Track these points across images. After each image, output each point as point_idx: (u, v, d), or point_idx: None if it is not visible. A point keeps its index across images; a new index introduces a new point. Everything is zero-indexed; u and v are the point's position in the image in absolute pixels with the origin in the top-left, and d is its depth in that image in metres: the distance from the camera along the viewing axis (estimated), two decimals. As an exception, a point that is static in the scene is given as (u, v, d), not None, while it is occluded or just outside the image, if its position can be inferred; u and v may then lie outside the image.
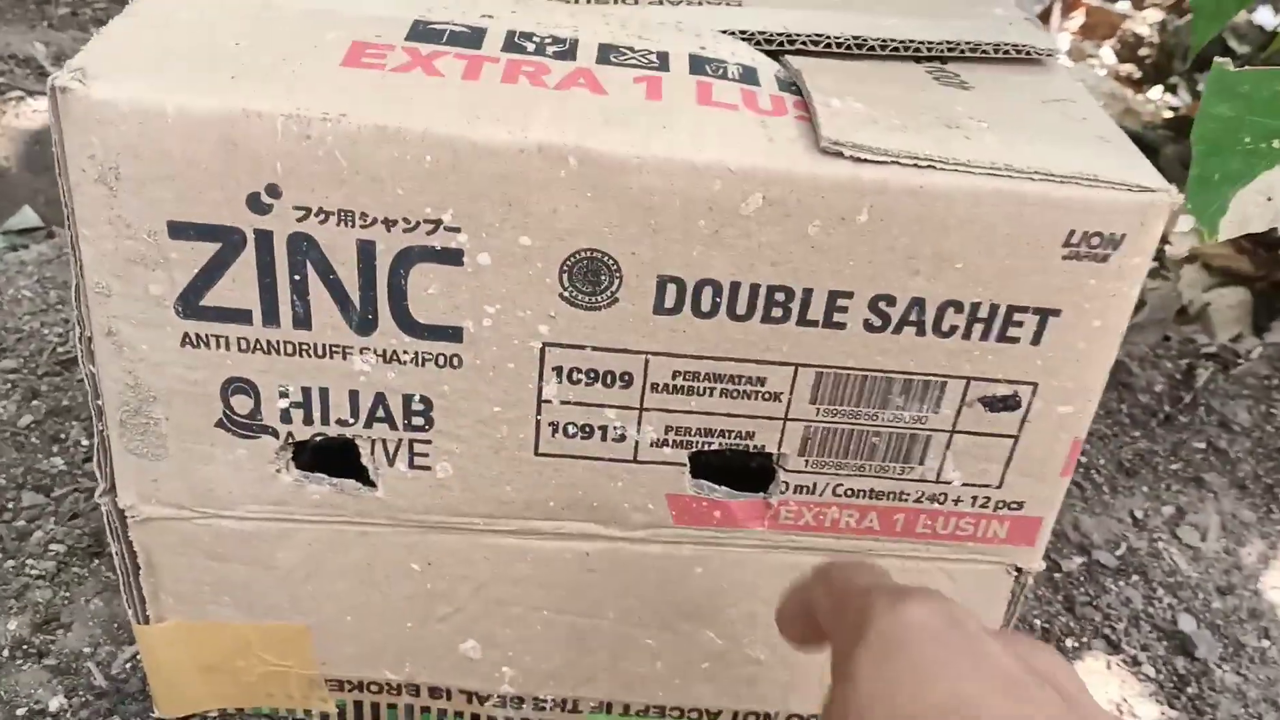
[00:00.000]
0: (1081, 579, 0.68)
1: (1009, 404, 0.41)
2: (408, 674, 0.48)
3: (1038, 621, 0.65)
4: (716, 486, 0.43)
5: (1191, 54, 0.85)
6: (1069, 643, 0.64)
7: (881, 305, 0.38)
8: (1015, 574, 0.46)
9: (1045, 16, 1.60)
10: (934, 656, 0.27)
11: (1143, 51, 1.53)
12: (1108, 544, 0.71)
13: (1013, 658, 0.27)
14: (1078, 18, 1.64)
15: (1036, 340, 0.39)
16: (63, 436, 0.70)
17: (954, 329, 0.39)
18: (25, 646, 0.55)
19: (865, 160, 0.35)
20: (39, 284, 0.87)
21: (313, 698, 0.49)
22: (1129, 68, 1.53)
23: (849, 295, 0.38)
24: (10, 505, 0.64)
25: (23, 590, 0.58)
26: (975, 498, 0.43)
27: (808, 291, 0.38)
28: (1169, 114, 1.39)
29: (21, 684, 0.53)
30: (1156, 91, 1.47)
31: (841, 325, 0.38)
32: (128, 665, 0.55)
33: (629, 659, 0.48)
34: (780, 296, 0.38)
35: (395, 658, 0.47)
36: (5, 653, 0.55)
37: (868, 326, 0.38)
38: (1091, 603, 0.67)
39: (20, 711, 0.52)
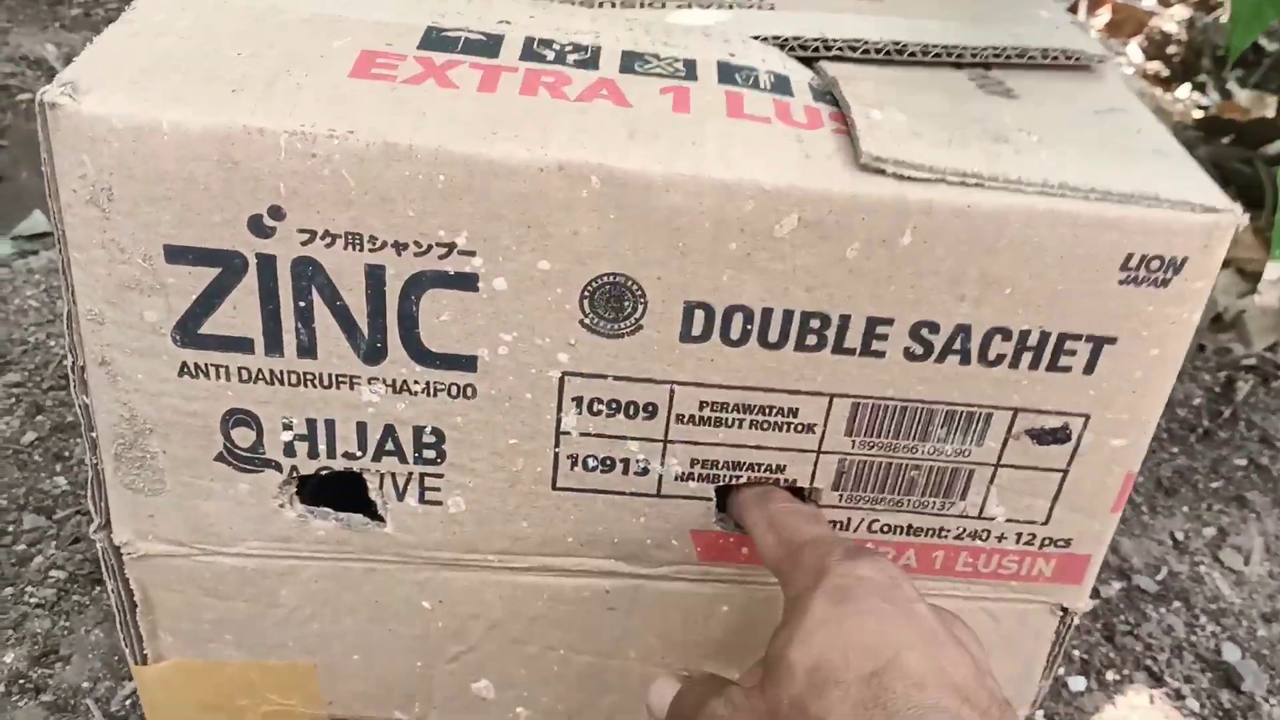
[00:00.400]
0: (1121, 606, 0.66)
1: (1058, 436, 0.38)
2: (418, 714, 0.46)
3: (1077, 653, 0.62)
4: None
5: (1231, 58, 0.82)
6: (1110, 675, 0.61)
7: (924, 332, 0.36)
8: (1060, 614, 0.44)
9: (1071, 13, 1.57)
10: (875, 607, 0.32)
11: (1170, 49, 1.50)
12: (1148, 568, 0.69)
13: (938, 621, 0.32)
14: (1104, 14, 1.61)
15: (1089, 369, 0.37)
16: (66, 454, 0.68)
17: (1001, 358, 0.36)
18: (22, 681, 0.53)
19: (909, 178, 0.33)
20: (46, 293, 0.85)
21: (319, 739, 0.47)
22: (1156, 65, 1.50)
23: (889, 322, 0.35)
24: (10, 529, 0.62)
25: (21, 620, 0.57)
26: (1020, 534, 0.41)
27: (845, 318, 0.35)
28: (1199, 113, 1.36)
29: (17, 723, 0.51)
30: (1185, 90, 1.44)
31: (880, 354, 0.36)
32: (127, 702, 0.53)
33: (651, 699, 0.46)
34: (815, 323, 0.35)
35: (405, 697, 0.45)
36: (1, 688, 0.53)
37: (908, 355, 0.36)
38: (1132, 632, 0.64)
39: (16, 752, 0.50)
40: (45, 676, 0.54)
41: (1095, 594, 0.66)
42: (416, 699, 0.45)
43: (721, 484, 0.40)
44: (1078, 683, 0.61)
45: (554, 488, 0.39)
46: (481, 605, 0.42)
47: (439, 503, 0.39)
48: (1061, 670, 0.61)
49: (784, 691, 0.31)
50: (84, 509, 0.64)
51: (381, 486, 0.39)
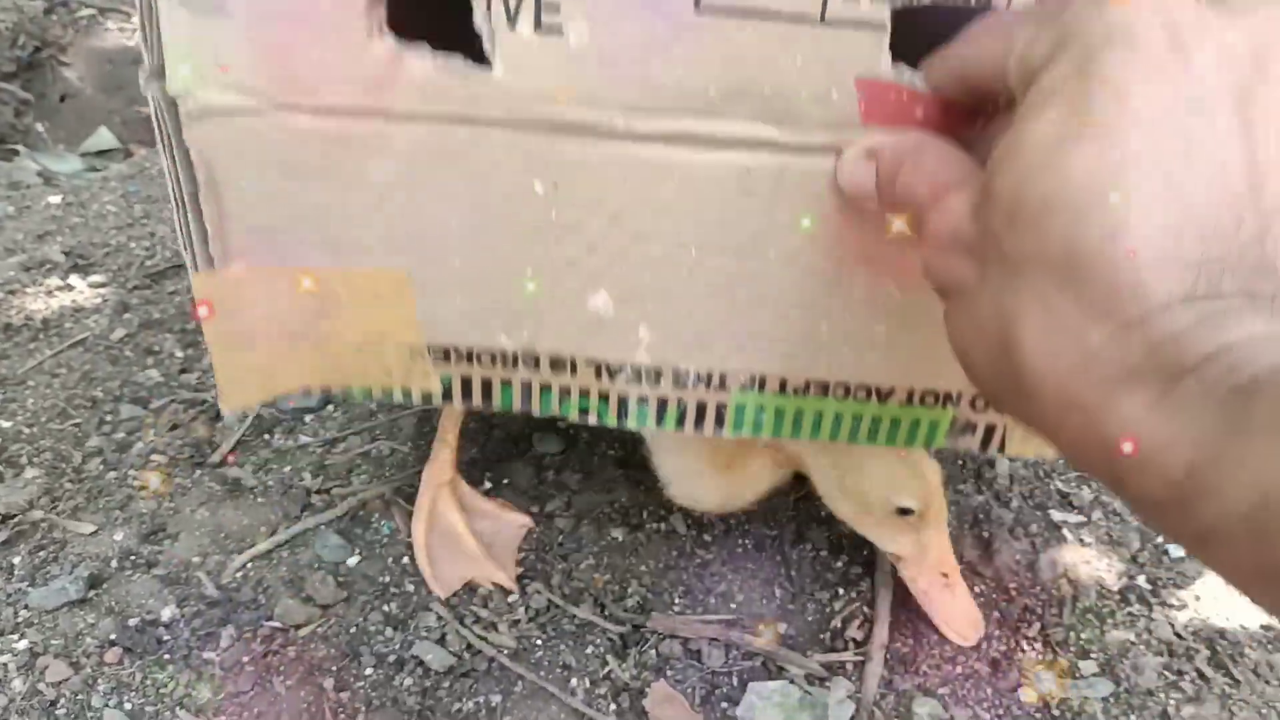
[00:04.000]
0: None
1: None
2: (526, 340, 0.38)
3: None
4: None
5: None
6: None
7: None
8: None
9: None
10: (1112, 120, 0.22)
11: None
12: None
13: (1224, 82, 0.22)
14: None
15: None
16: (156, 349, 0.66)
17: None
18: (134, 557, 0.51)
19: None
20: (123, 199, 0.86)
21: (414, 372, 0.38)
22: None
23: None
24: (109, 418, 0.60)
25: (127, 501, 0.54)
26: None
27: None
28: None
29: (132, 594, 0.49)
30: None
31: None
32: (239, 574, 0.50)
33: (789, 319, 0.37)
34: None
35: (512, 318, 0.37)
36: (114, 563, 0.50)
37: None
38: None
39: (133, 621, 0.47)
40: (155, 553, 0.51)
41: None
42: (525, 320, 0.37)
43: (899, 4, 0.30)
44: (1179, 548, 0.53)
45: (696, 8, 0.31)
46: (602, 188, 0.34)
47: (558, 30, 0.31)
48: (1160, 539, 0.57)
49: (990, 222, 0.25)
50: (179, 398, 0.62)
51: (489, 8, 0.30)
